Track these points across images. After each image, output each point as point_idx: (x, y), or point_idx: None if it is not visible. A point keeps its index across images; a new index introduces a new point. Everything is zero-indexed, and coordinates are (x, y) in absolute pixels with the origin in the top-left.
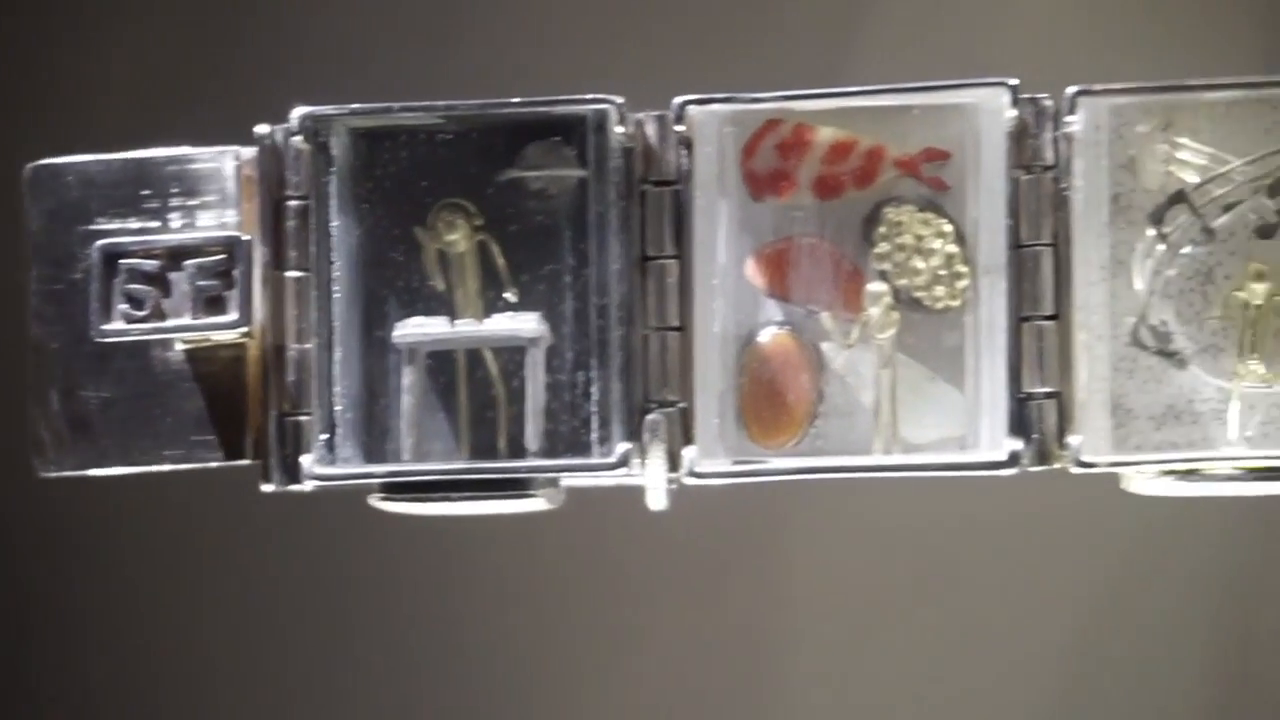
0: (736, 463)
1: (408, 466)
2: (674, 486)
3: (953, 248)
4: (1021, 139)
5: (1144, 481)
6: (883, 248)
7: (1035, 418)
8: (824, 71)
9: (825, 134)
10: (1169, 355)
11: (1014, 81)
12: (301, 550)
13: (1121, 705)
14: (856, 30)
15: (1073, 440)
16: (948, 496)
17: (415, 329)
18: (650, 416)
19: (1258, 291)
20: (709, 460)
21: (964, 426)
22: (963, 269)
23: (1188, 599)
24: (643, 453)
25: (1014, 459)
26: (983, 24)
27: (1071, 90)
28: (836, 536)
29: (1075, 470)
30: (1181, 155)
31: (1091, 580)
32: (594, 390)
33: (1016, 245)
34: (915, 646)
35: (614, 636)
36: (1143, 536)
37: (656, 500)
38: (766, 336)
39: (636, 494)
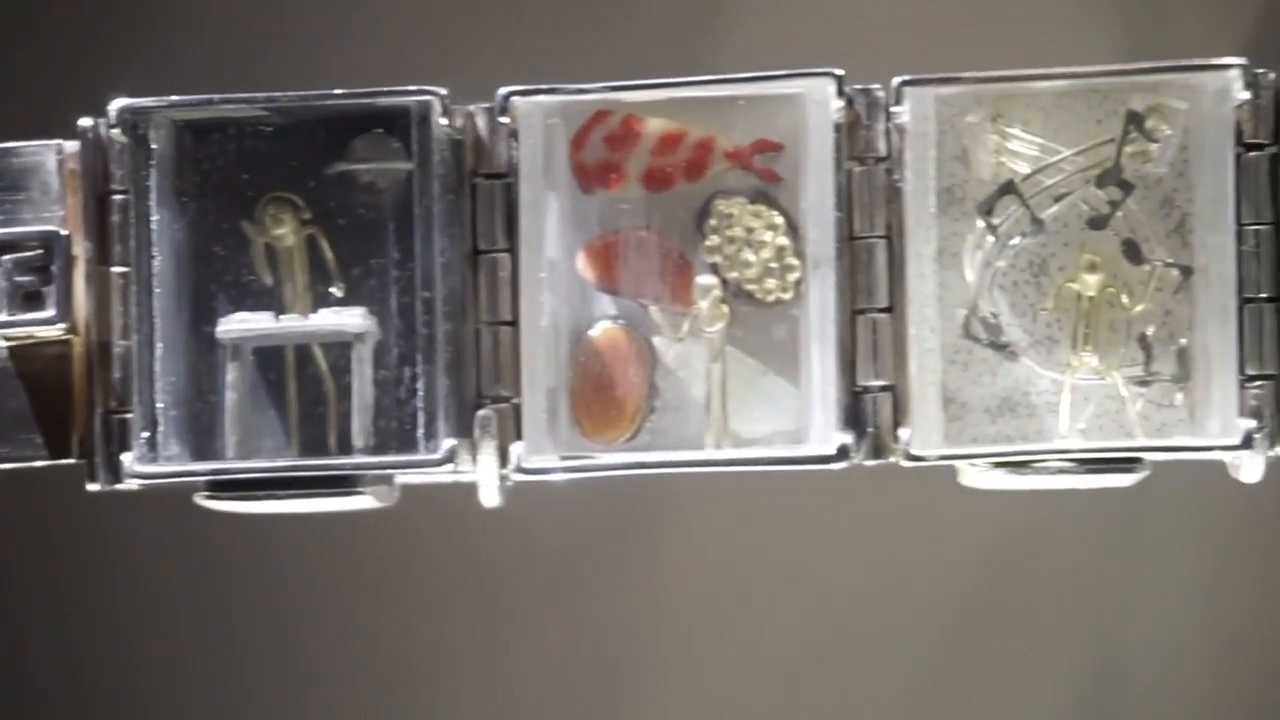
0: (565, 458)
1: (231, 465)
2: (507, 483)
3: (784, 240)
4: (854, 130)
5: (977, 475)
6: (713, 240)
7: (870, 411)
8: (684, 62)
9: (655, 125)
10: (1000, 347)
11: (840, 72)
12: (129, 546)
13: (988, 695)
14: (714, 20)
15: (903, 433)
16: (813, 489)
17: (239, 324)
18: (481, 412)
19: (1090, 283)
20: (537, 456)
21: (797, 420)
22: (794, 261)
23: (1055, 592)
24: (474, 449)
25: (843, 453)
26: (842, 14)
27: (898, 80)
28: (698, 531)
29: (905, 464)
30: (1012, 146)
31: (958, 575)
32: (420, 386)
33: (850, 237)
34: (779, 643)
35: (473, 635)
36: (1011, 529)
37: (489, 497)
38: (598, 331)
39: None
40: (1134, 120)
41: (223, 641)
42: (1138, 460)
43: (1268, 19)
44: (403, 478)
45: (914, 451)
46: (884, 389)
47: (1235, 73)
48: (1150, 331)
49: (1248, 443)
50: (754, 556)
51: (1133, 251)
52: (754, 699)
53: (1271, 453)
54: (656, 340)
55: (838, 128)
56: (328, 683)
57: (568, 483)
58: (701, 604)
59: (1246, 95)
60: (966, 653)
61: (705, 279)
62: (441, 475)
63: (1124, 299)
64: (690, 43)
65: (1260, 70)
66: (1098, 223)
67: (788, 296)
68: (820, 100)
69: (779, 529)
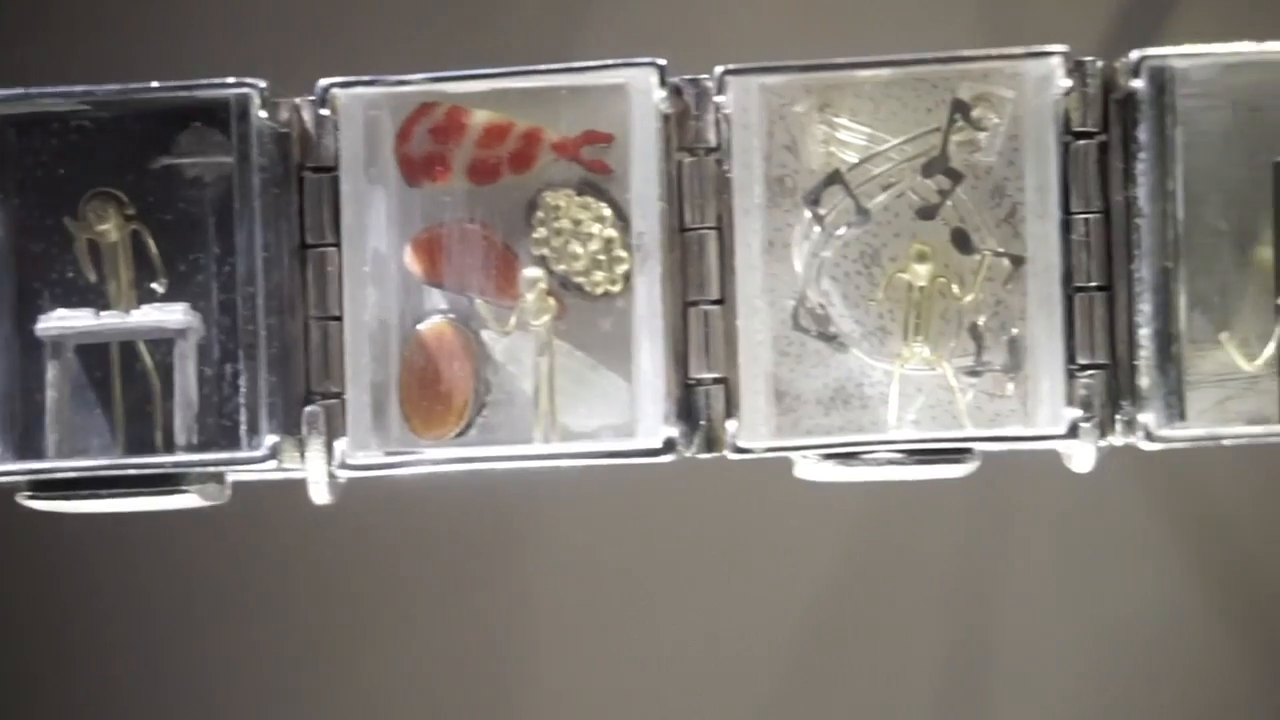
0: (390, 454)
1: (53, 464)
2: (337, 480)
3: (612, 232)
4: (684, 121)
5: (808, 467)
6: (540, 233)
7: (703, 404)
8: (542, 53)
9: (480, 117)
10: (830, 339)
11: (662, 62)
12: None
13: (850, 688)
14: (574, 10)
15: (729, 425)
16: (684, 479)
17: (58, 321)
18: (309, 408)
19: (921, 273)
20: (361, 452)
21: (626, 414)
22: (622, 254)
23: (917, 580)
24: (302, 445)
25: (669, 446)
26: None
27: (720, 70)
28: (558, 524)
29: (733, 456)
30: (841, 135)
31: (825, 568)
32: (243, 383)
33: (681, 229)
34: (639, 639)
35: (331, 632)
36: (882, 522)
37: (318, 494)
38: (425, 325)
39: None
40: (959, 109)
41: (68, 644)
42: (968, 451)
43: (1124, 9)
44: (231, 475)
45: (741, 444)
46: (716, 381)
47: (1057, 60)
48: (981, 321)
49: (1074, 432)
50: (615, 550)
51: (963, 241)
52: (612, 696)
53: (1102, 442)
54: (485, 334)
55: (665, 118)
56: (177, 682)
57: (414, 477)
58: (562, 599)
59: (1069, 83)
60: (830, 644)
61: (531, 272)
62: (267, 472)
63: (955, 289)
64: (548, 33)
65: (1089, 58)
66: (927, 212)
67: (616, 289)
68: (643, 90)
69: (643, 521)
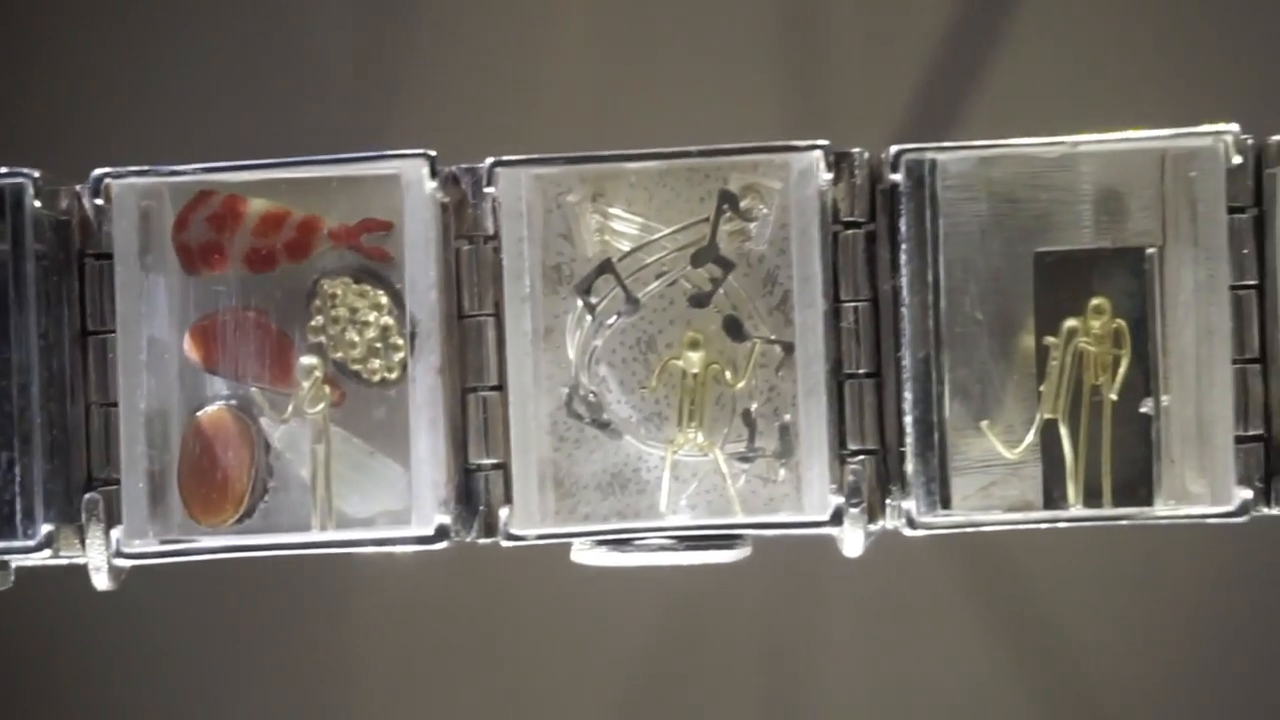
0: (165, 541)
1: None
2: (120, 567)
3: (388, 320)
4: (462, 208)
5: (583, 553)
6: (317, 320)
7: (482, 489)
8: (360, 136)
9: (257, 206)
10: (603, 425)
11: (433, 152)
12: None
13: None
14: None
15: (503, 512)
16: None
17: None
18: (88, 495)
19: (693, 360)
20: (137, 540)
21: (403, 500)
22: (399, 341)
23: (733, 664)
24: (82, 533)
25: (442, 533)
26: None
27: (489, 161)
28: (378, 606)
29: (505, 544)
30: (615, 224)
31: (635, 648)
32: (18, 471)
33: (460, 316)
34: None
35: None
36: (691, 602)
37: (100, 580)
38: (204, 413)
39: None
40: (727, 199)
41: None
42: (739, 536)
43: (918, 101)
44: (20, 562)
45: (513, 530)
46: (495, 467)
47: (818, 154)
48: (754, 408)
49: (838, 519)
50: (436, 632)
51: (735, 329)
52: None
53: (873, 526)
54: (264, 421)
55: (442, 207)
56: None
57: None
58: (375, 677)
59: (830, 176)
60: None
61: (306, 360)
62: (44, 560)
63: (728, 375)
64: (356, 118)
65: (857, 149)
66: (700, 300)
67: (393, 376)
68: (415, 180)
69: (450, 605)
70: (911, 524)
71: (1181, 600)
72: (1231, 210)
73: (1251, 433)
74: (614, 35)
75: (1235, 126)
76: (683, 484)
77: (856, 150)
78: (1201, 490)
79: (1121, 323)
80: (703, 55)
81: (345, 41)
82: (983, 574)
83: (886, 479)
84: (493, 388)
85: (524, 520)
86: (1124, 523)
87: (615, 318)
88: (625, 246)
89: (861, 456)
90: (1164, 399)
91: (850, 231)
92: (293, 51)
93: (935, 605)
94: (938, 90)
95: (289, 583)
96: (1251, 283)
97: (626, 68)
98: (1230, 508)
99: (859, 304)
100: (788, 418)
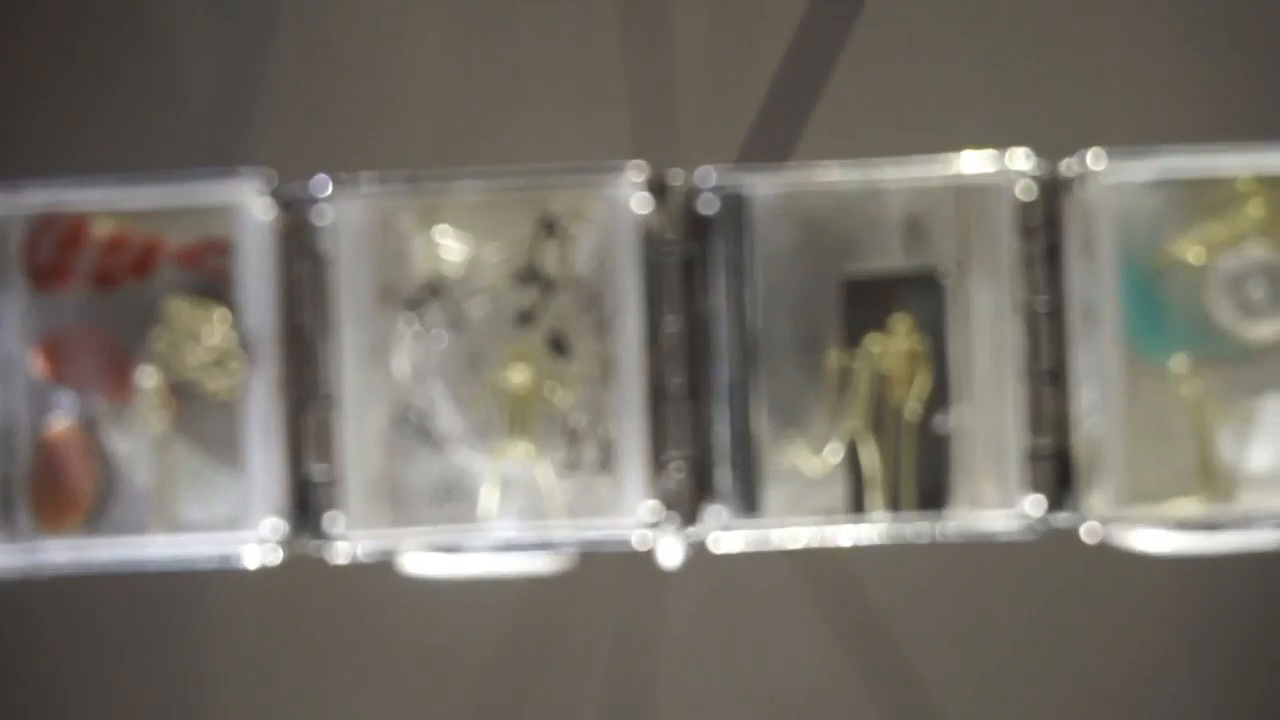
0: (11, 551)
1: None
2: None
3: (227, 336)
4: (299, 230)
5: (413, 560)
6: (159, 336)
7: (316, 499)
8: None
9: (103, 227)
10: (431, 438)
11: (270, 177)
12: None
13: None
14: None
15: (332, 520)
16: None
17: None
18: None
19: (520, 376)
20: None
21: (239, 508)
22: (237, 357)
23: (582, 666)
24: None
25: (274, 539)
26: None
27: (324, 184)
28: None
29: (335, 549)
30: (444, 245)
31: (484, 652)
32: None
33: (296, 333)
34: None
35: None
36: (541, 603)
37: None
38: (51, 425)
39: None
40: (546, 225)
41: None
42: (560, 544)
43: (762, 126)
44: None
45: (342, 537)
46: (330, 477)
47: (635, 178)
48: (576, 422)
49: (652, 526)
50: (286, 640)
51: (559, 346)
52: None
53: (687, 536)
54: (108, 432)
55: (282, 228)
56: None
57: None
58: (220, 693)
59: (647, 199)
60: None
61: (148, 374)
62: None
63: (552, 391)
64: (221, 142)
65: (675, 174)
66: (525, 318)
67: (231, 390)
68: (251, 203)
69: (305, 612)
70: (722, 531)
71: (997, 598)
72: (1028, 236)
73: (1045, 444)
74: (464, 61)
75: (1024, 158)
76: (509, 494)
77: (675, 174)
78: (995, 498)
79: (921, 341)
80: (550, 78)
81: (202, 65)
82: (819, 576)
83: (702, 489)
84: (327, 402)
85: (353, 527)
86: (923, 529)
87: (444, 335)
88: (452, 267)
89: (677, 469)
90: (959, 414)
91: (669, 253)
92: (147, 73)
93: (773, 606)
94: (780, 115)
95: (130, 586)
96: (1046, 304)
97: (475, 91)
98: (1018, 514)
99: (677, 323)
100: (609, 431)
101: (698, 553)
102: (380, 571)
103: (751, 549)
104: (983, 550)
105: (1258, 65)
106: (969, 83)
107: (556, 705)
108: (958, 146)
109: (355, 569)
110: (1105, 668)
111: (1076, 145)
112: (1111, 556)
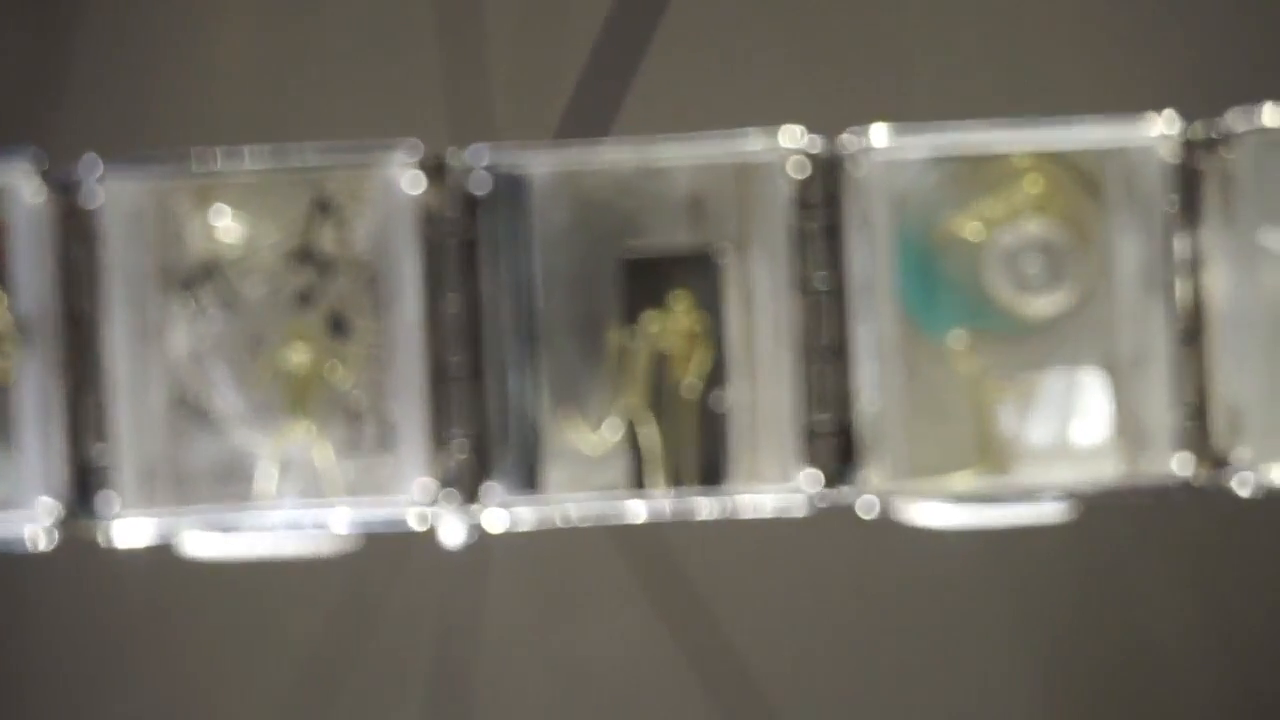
0: None
1: None
2: None
3: (2, 318)
4: (72, 214)
5: (194, 541)
6: None
7: (96, 481)
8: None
9: None
10: (209, 419)
11: (39, 156)
12: None
13: None
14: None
15: (105, 500)
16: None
17: None
18: None
19: (299, 356)
20: None
21: (15, 490)
22: (12, 339)
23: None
24: None
25: (47, 520)
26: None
27: (94, 166)
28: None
29: (109, 531)
30: (221, 227)
31: (306, 630)
32: None
33: (73, 316)
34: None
35: None
36: (360, 582)
37: None
38: None
39: None
40: (321, 205)
41: None
42: (337, 521)
43: (576, 102)
44: None
45: (115, 518)
46: (106, 459)
47: (405, 158)
48: (357, 402)
49: (430, 504)
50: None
51: (338, 326)
52: None
53: (468, 514)
54: None
55: (57, 210)
56: None
57: None
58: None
59: (420, 180)
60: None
61: None
62: None
63: (332, 371)
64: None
65: (452, 154)
66: (304, 299)
67: (5, 373)
68: (21, 187)
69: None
70: (500, 508)
71: (789, 570)
72: (808, 213)
73: (825, 420)
74: (275, 33)
75: (800, 134)
76: (290, 475)
77: (452, 156)
78: (774, 474)
79: (700, 319)
80: (361, 54)
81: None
82: (624, 551)
83: (483, 469)
84: (103, 384)
85: (130, 508)
86: (702, 503)
87: (220, 316)
88: (229, 248)
89: (458, 449)
90: (735, 390)
91: (450, 232)
92: None
93: (598, 587)
94: (593, 90)
95: None
96: (826, 281)
97: (285, 65)
98: (793, 488)
99: (458, 302)
100: (389, 410)
101: (489, 531)
102: (166, 555)
103: (531, 527)
104: (770, 525)
105: (1035, 39)
106: (761, 61)
107: (369, 693)
108: (752, 123)
109: (139, 553)
110: (898, 640)
111: (855, 122)
112: (892, 531)
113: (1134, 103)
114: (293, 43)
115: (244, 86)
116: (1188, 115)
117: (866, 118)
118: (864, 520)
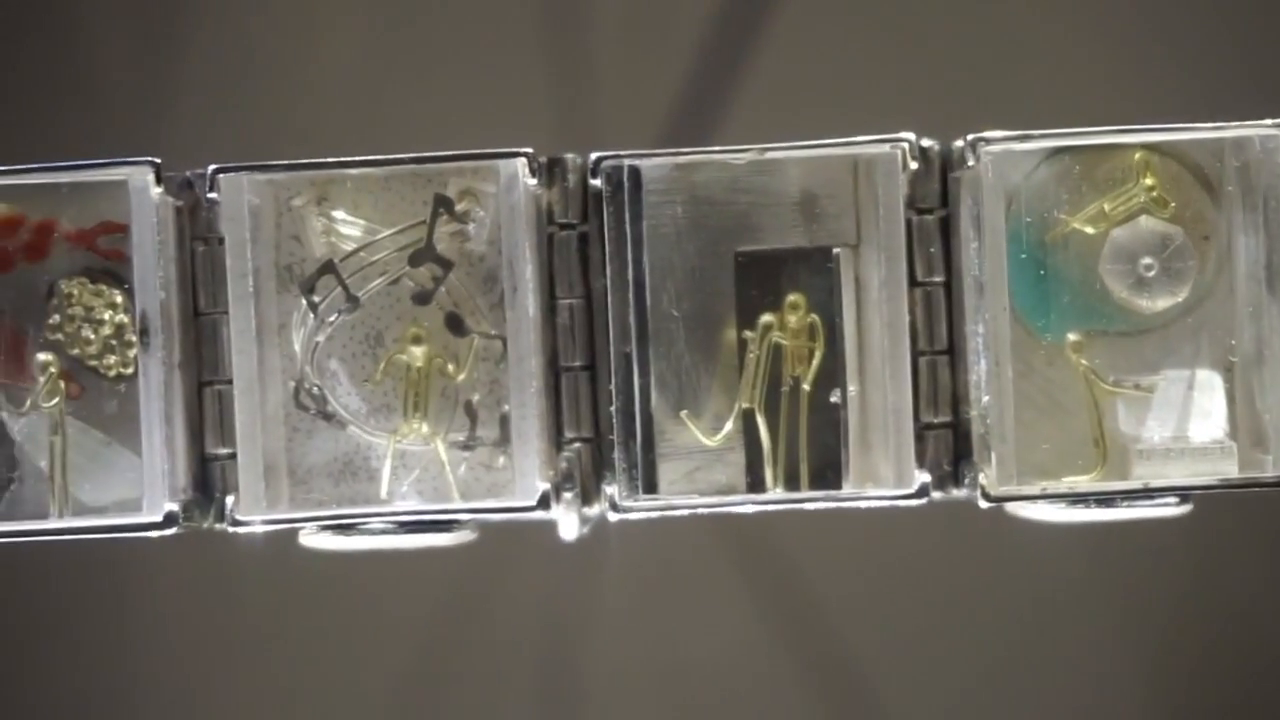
0: None
1: None
2: None
3: (123, 317)
4: (197, 211)
5: (311, 538)
6: (55, 319)
7: (218, 478)
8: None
9: None
10: (329, 417)
11: (158, 160)
12: None
13: None
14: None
15: (229, 500)
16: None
17: None
18: None
19: (417, 354)
20: None
21: (138, 489)
22: (133, 338)
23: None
24: None
25: (171, 519)
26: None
27: (213, 168)
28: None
29: (231, 529)
30: (340, 227)
31: (418, 627)
32: None
33: (196, 313)
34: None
35: None
36: (470, 579)
37: None
38: None
39: None
40: (442, 203)
41: None
42: (457, 521)
43: (683, 106)
44: None
45: (239, 517)
46: (230, 456)
47: (522, 160)
48: (475, 399)
49: (546, 503)
50: (212, 622)
51: (455, 324)
52: None
53: (588, 511)
54: (4, 415)
55: (177, 210)
56: None
57: None
58: (137, 675)
59: (534, 180)
60: (431, 698)
61: (43, 356)
62: None
63: (450, 369)
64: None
65: (570, 155)
66: (422, 297)
67: (128, 371)
68: (141, 186)
69: (234, 592)
70: (615, 507)
71: (923, 573)
72: (921, 211)
73: (940, 420)
74: (382, 41)
75: (911, 135)
76: (407, 472)
77: (569, 156)
78: (889, 474)
79: (815, 318)
80: (470, 61)
81: (118, 49)
82: (735, 547)
83: (600, 466)
84: (226, 381)
85: (249, 507)
86: (818, 505)
87: (337, 315)
88: (348, 247)
89: (577, 445)
90: (851, 389)
91: (565, 232)
92: (65, 57)
93: (708, 584)
94: (699, 95)
95: (29, 571)
96: (939, 279)
97: (396, 73)
98: (910, 490)
99: (574, 301)
100: (507, 408)
101: (606, 527)
102: (285, 553)
103: (645, 525)
104: (884, 524)
105: (1148, 44)
106: (873, 65)
107: (483, 679)
108: (863, 124)
109: (259, 551)
110: (1010, 634)
111: (969, 120)
112: (1006, 530)
113: (1248, 107)
114: (401, 52)
115: (354, 95)
116: None
117: (981, 116)
118: (977, 519)
